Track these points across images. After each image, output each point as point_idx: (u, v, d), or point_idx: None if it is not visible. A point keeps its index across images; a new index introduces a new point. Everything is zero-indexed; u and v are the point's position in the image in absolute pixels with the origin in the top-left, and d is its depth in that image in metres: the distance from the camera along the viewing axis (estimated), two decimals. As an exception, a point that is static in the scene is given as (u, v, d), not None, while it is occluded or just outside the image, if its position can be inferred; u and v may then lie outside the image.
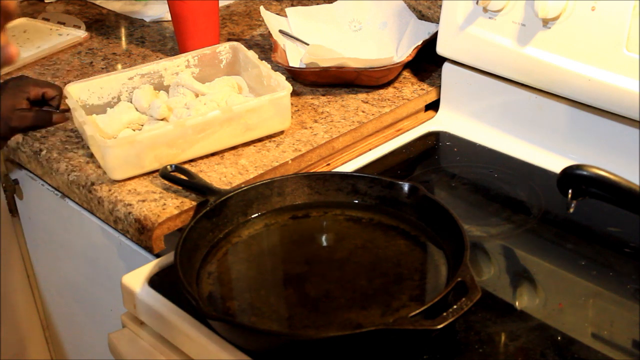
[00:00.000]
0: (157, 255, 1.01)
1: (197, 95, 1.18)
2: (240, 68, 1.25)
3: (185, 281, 0.85)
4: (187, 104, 1.15)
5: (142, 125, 1.15)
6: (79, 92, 1.16)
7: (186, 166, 1.07)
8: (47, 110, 1.13)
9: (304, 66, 1.25)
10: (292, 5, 1.54)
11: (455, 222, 0.91)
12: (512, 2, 1.10)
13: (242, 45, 1.24)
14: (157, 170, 1.06)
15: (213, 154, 1.11)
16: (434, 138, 1.21)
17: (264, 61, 1.19)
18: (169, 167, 1.05)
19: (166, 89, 1.21)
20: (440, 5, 1.24)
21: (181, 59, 1.22)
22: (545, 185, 1.08)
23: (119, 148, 1.04)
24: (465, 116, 1.22)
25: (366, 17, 1.39)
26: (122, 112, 1.15)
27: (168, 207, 1.01)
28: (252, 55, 1.21)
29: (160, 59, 1.38)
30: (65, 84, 1.17)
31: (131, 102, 1.18)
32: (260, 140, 1.14)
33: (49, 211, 1.26)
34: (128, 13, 1.58)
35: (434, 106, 1.27)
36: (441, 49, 1.22)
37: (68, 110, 1.15)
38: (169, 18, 1.39)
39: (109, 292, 1.21)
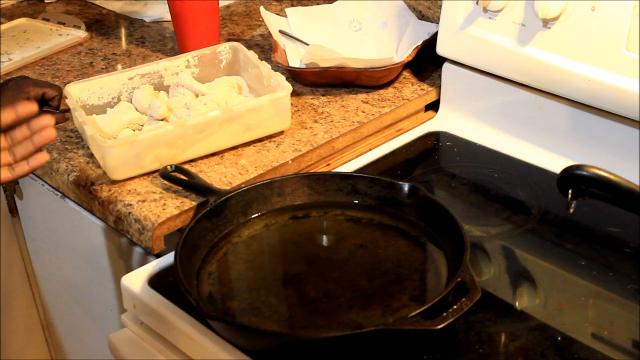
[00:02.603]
0: (157, 255, 1.01)
1: (197, 96, 1.18)
2: (240, 68, 1.25)
3: (185, 281, 0.85)
4: (187, 104, 1.15)
5: (142, 126, 1.15)
6: (79, 92, 1.16)
7: (186, 166, 1.07)
8: (47, 110, 1.13)
9: (304, 66, 1.25)
10: (292, 5, 1.54)
11: (455, 222, 0.91)
12: (512, 2, 1.10)
13: (242, 46, 1.24)
14: (157, 171, 1.07)
15: (213, 154, 1.11)
16: (434, 138, 1.21)
17: (264, 61, 1.19)
18: (169, 167, 1.05)
19: (166, 89, 1.21)
20: (440, 5, 1.24)
21: (181, 59, 1.22)
22: (545, 185, 1.08)
23: (119, 148, 1.04)
24: (465, 116, 1.22)
25: (366, 17, 1.39)
26: (122, 112, 1.15)
27: (168, 207, 1.01)
28: (252, 55, 1.21)
29: (160, 59, 1.38)
30: (66, 84, 1.17)
31: (131, 102, 1.18)
32: (260, 140, 1.14)
33: (49, 211, 1.26)
34: (128, 13, 1.58)
35: (434, 106, 1.27)
36: (441, 49, 1.22)
37: (68, 110, 1.15)
38: (169, 18, 1.39)
39: (109, 292, 1.21)
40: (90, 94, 1.17)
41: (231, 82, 1.21)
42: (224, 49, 1.25)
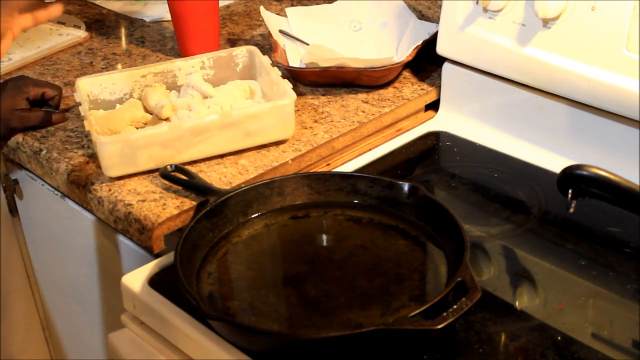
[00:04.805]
0: (157, 255, 1.01)
1: (205, 98, 1.17)
2: (257, 72, 1.24)
3: (185, 281, 0.85)
4: (189, 105, 1.14)
5: (146, 124, 1.14)
6: (90, 87, 1.16)
7: (186, 166, 1.07)
8: (46, 110, 1.13)
9: (304, 66, 1.25)
10: (292, 5, 1.54)
11: (455, 222, 0.91)
12: (512, 2, 1.10)
13: (258, 50, 1.23)
14: (154, 170, 1.06)
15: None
16: (434, 138, 1.21)
17: (275, 67, 1.18)
18: (169, 167, 1.05)
19: (179, 89, 1.21)
20: (440, 5, 1.24)
21: (196, 60, 1.21)
22: (545, 185, 1.08)
23: (113, 145, 1.04)
24: (465, 116, 1.22)
25: (366, 17, 1.39)
26: (126, 110, 1.14)
27: (168, 207, 1.01)
28: (265, 60, 1.19)
29: (160, 59, 1.38)
30: (66, 84, 1.17)
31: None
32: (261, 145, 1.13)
33: (49, 211, 1.26)
34: (128, 13, 1.58)
35: (434, 106, 1.27)
36: (441, 49, 1.22)
37: (68, 110, 1.15)
38: (169, 18, 1.39)
39: (109, 292, 1.21)
40: (102, 89, 1.17)
41: (243, 86, 1.20)
42: (241, 52, 1.24)
